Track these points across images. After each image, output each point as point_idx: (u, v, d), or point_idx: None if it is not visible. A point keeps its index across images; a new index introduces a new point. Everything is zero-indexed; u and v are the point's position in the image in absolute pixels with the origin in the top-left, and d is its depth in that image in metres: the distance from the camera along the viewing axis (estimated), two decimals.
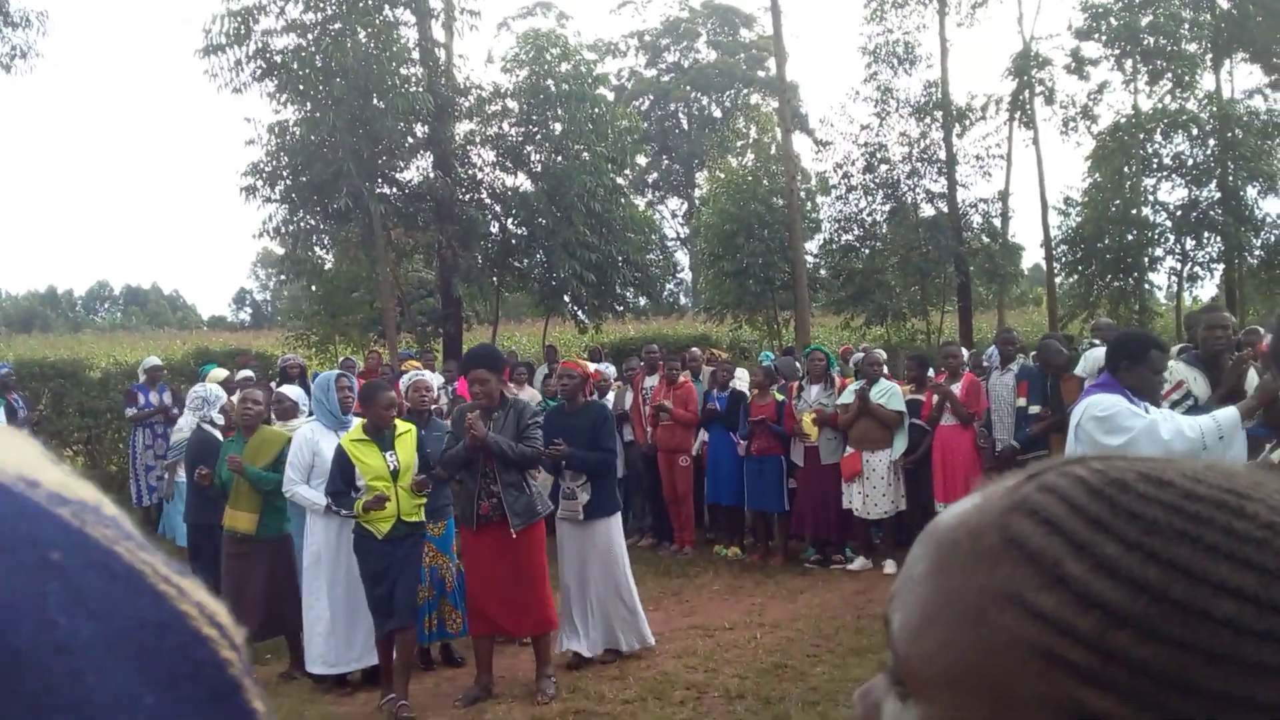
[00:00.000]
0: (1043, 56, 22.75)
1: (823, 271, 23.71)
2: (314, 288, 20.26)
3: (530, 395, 10.82)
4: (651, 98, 47.36)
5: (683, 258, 43.09)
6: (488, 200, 19.83)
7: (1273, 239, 23.77)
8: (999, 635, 0.49)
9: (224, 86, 16.75)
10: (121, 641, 0.30)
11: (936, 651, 0.52)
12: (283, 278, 28.26)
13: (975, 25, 24.96)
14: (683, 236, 47.37)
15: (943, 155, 22.00)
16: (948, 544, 0.54)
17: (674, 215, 49.24)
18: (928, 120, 21.76)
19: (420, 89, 17.50)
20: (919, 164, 21.76)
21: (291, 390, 8.00)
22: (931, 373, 10.01)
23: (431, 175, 18.15)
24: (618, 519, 7.36)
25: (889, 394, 9.51)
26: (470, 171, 19.58)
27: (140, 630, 0.31)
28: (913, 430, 9.54)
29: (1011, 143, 22.89)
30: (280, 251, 20.85)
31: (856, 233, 22.45)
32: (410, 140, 18.07)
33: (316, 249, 19.33)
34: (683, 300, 44.89)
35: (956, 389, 9.32)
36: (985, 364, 10.24)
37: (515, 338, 27.73)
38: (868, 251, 22.29)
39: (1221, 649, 0.45)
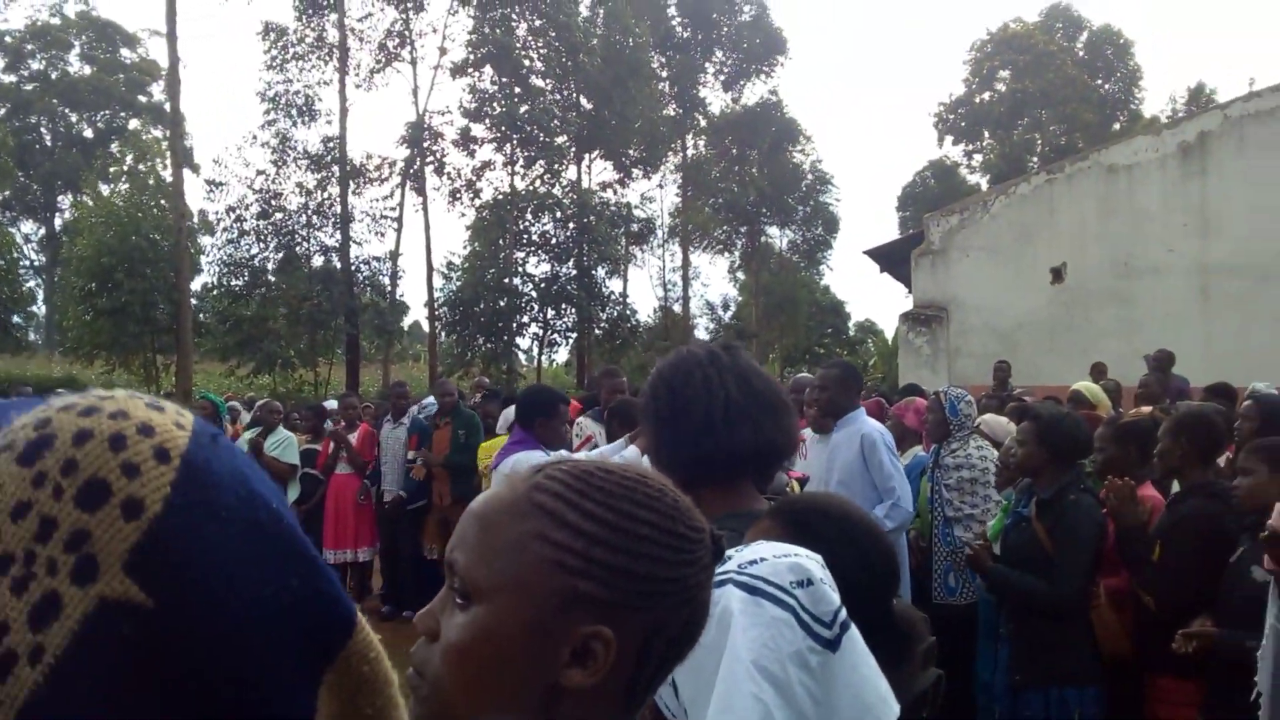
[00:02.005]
0: (435, 129, 24.37)
1: (204, 316, 22.72)
2: None
3: None
4: (9, 106, 41.78)
5: (37, 289, 38.40)
6: None
7: (615, 314, 27.73)
8: (532, 557, 0.89)
9: None
10: None
11: (494, 572, 0.90)
12: None
13: (375, 89, 26.01)
14: (38, 265, 42.25)
15: (339, 210, 22.43)
16: (493, 512, 0.94)
17: (28, 240, 43.66)
18: (325, 174, 22.07)
19: None
20: (315, 216, 21.95)
21: None
22: (329, 423, 10.20)
23: None
24: None
25: (284, 445, 9.49)
26: None
27: None
28: (306, 479, 9.61)
29: (404, 206, 24.10)
30: None
31: (246, 278, 21.91)
32: None
33: None
34: (32, 336, 39.83)
35: (354, 438, 9.62)
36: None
37: None
38: (257, 298, 21.87)
39: (642, 551, 0.91)
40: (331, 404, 11.78)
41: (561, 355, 32.12)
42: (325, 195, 21.95)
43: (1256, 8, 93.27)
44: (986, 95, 44.61)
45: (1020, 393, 9.24)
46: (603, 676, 0.88)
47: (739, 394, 1.89)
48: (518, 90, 24.75)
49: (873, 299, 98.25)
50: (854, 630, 1.34)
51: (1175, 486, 4.25)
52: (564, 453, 5.10)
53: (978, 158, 45.71)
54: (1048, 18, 45.26)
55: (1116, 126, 42.47)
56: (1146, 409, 5.76)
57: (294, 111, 21.70)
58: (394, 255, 23.75)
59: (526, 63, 25.47)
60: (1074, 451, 4.14)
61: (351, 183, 22.33)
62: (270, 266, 21.87)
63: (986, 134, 44.99)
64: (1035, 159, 42.31)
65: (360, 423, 9.95)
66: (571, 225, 26.17)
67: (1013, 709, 4.03)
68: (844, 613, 1.34)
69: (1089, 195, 15.49)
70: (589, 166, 29.62)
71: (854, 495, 4.28)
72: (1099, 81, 44.86)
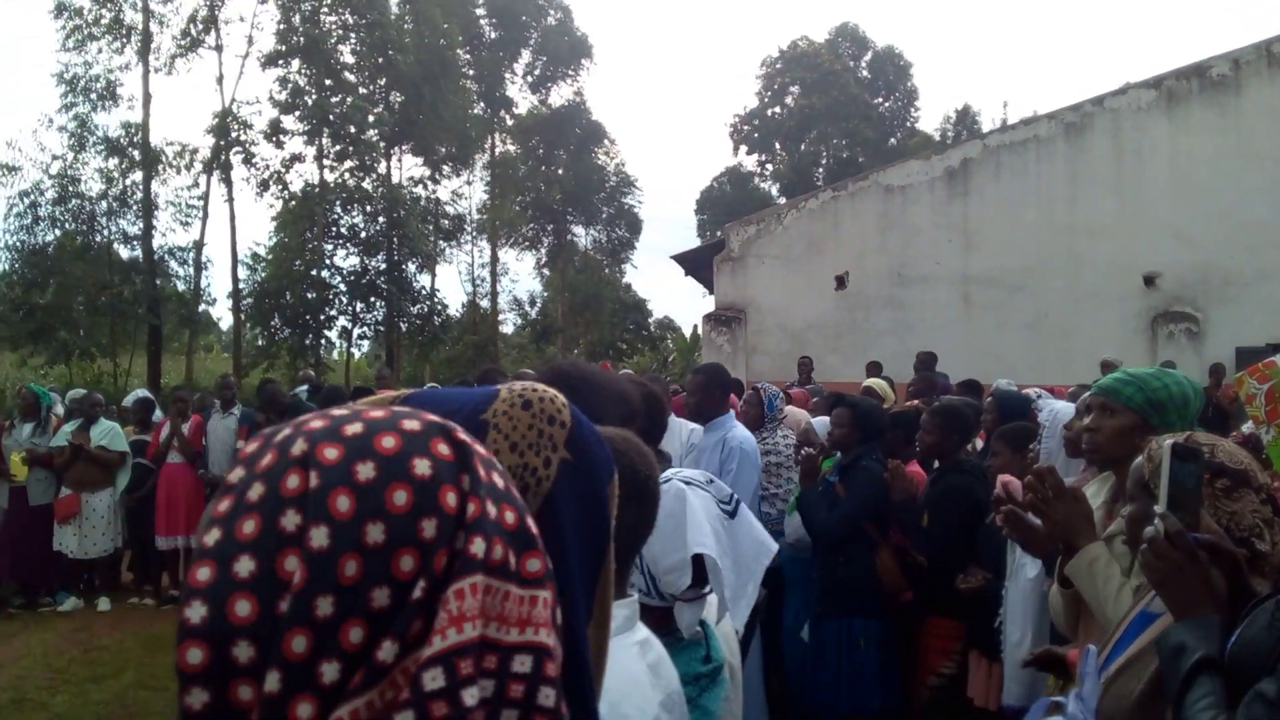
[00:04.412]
0: (244, 120, 23.92)
1: None
2: None
3: None
4: None
5: None
6: None
7: (425, 309, 27.95)
8: None
9: None
10: None
11: None
12: None
13: (178, 74, 25.17)
14: None
15: (142, 198, 21.76)
16: None
17: None
18: (126, 161, 21.35)
19: None
20: (116, 204, 21.21)
21: None
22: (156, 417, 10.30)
23: None
24: None
25: (111, 434, 9.63)
26: None
27: None
28: (137, 468, 9.77)
29: (209, 196, 23.57)
30: None
31: (42, 266, 20.94)
32: None
33: None
34: None
35: (186, 429, 9.84)
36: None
37: None
38: (53, 286, 20.95)
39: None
40: (140, 393, 11.77)
41: (365, 347, 31.99)
42: (128, 182, 21.25)
43: (1013, 39, 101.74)
44: (777, 109, 47.01)
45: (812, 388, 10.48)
46: None
47: None
48: (329, 83, 24.61)
49: (672, 296, 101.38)
50: (743, 506, 2.32)
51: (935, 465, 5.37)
52: None
53: (770, 167, 48.06)
54: (836, 36, 48.13)
55: (893, 142, 45.75)
56: (915, 402, 6.93)
57: (94, 96, 20.91)
58: (198, 245, 23.22)
59: (338, 57, 25.36)
60: (878, 430, 5.22)
61: (154, 171, 21.68)
62: (69, 254, 20.95)
63: (778, 145, 47.39)
64: (821, 171, 45.03)
65: (192, 414, 10.16)
66: (381, 219, 26.25)
67: (816, 635, 5.02)
68: (735, 496, 2.31)
69: (869, 211, 17.14)
70: (400, 161, 29.70)
71: None
72: (879, 100, 48.12)
